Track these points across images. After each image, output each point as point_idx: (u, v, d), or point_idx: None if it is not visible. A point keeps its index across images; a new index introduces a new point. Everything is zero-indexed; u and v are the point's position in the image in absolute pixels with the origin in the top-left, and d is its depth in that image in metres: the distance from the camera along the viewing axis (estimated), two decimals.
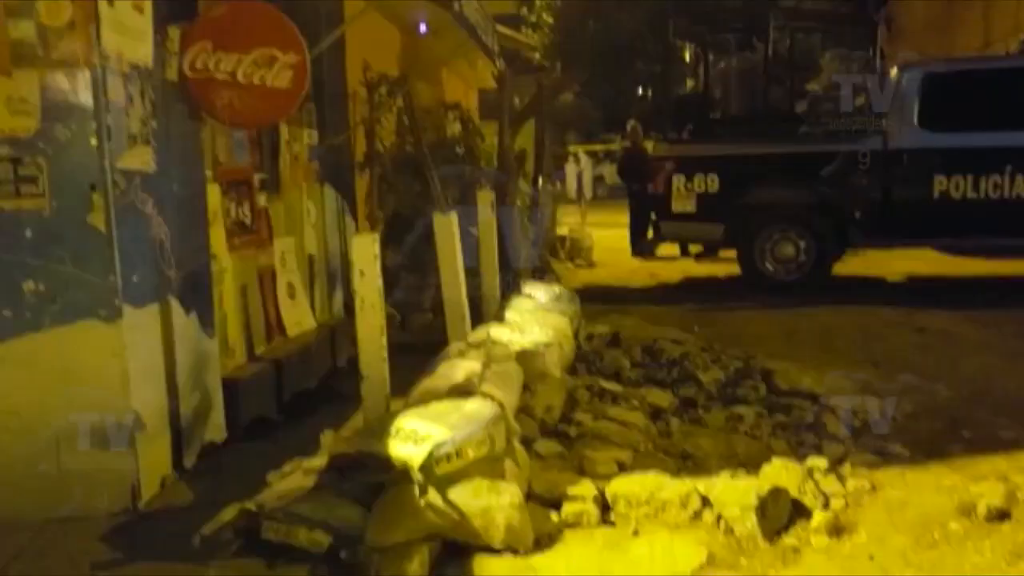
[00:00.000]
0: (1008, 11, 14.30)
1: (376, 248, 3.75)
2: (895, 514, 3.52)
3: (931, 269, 9.63)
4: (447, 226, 5.16)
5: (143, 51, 3.86)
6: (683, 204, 9.03)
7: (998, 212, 8.22)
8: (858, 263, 9.94)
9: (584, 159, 20.23)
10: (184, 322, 4.10)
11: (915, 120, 8.44)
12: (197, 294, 4.25)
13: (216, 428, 4.32)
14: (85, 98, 3.52)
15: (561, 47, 10.79)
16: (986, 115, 8.29)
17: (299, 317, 5.45)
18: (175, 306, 4.03)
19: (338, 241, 6.13)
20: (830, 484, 3.73)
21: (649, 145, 10.80)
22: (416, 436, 3.26)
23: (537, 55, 12.35)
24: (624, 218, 13.54)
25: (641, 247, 12.56)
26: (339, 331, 5.67)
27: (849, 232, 8.75)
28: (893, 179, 8.49)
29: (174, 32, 4.11)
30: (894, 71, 9.03)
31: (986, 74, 8.48)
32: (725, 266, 10.09)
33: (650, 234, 11.97)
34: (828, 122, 9.48)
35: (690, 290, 9.71)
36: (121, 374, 3.61)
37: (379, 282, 3.74)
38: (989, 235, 8.34)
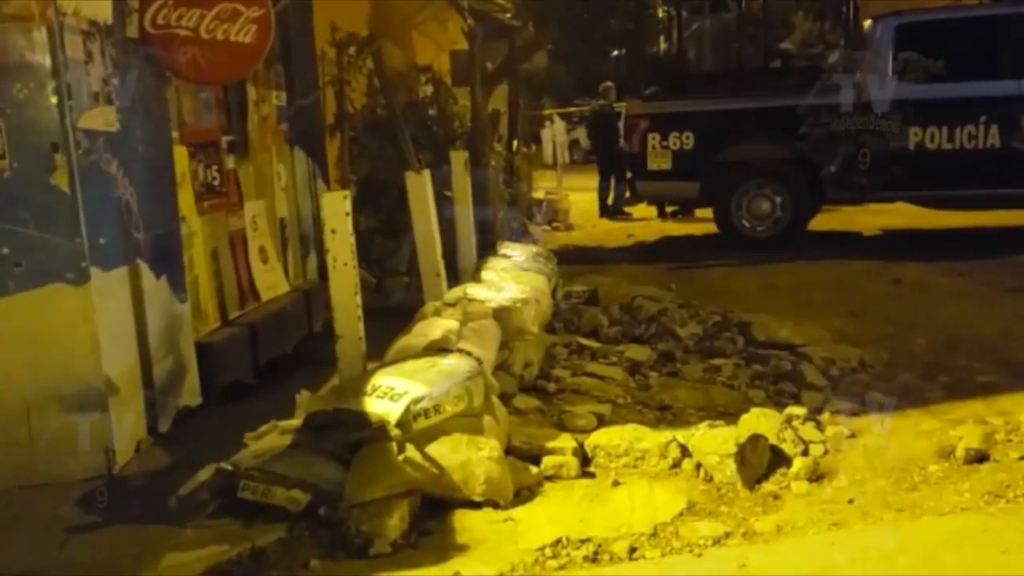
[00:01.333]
0: None
1: (347, 205, 3.71)
2: (874, 459, 3.55)
3: (906, 223, 9.67)
4: (420, 185, 5.12)
5: (101, 7, 3.76)
6: (658, 162, 8.99)
7: (973, 163, 8.24)
8: (834, 219, 9.98)
9: (559, 123, 20.07)
10: (154, 286, 4.03)
11: (889, 71, 8.43)
12: (167, 258, 4.18)
13: (191, 392, 4.27)
14: (42, 56, 3.42)
15: (533, 7, 10.65)
16: (960, 65, 8.28)
17: (272, 281, 5.38)
18: (144, 269, 3.96)
19: (310, 205, 6.04)
20: (809, 432, 3.77)
21: (624, 106, 10.73)
22: (393, 393, 3.24)
23: (508, 15, 12.19)
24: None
25: (608, 209, 12.55)
26: (314, 296, 5.62)
27: (824, 187, 8.75)
28: (867, 133, 8.48)
29: None
30: (867, 23, 9.00)
31: (960, 24, 8.46)
32: (702, 225, 10.10)
33: (627, 193, 12.00)
34: (802, 76, 9.49)
35: (667, 249, 9.71)
36: (91, 338, 3.55)
37: (351, 240, 3.70)
38: (965, 187, 8.37)
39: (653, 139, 8.98)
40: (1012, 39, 8.24)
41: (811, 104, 8.60)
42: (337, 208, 3.72)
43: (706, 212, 9.60)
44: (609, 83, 12.72)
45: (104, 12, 3.76)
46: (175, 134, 4.44)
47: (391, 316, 4.80)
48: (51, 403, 3.52)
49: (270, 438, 3.44)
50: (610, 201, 12.54)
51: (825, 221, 9.71)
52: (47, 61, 3.43)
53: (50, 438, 3.51)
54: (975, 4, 9.35)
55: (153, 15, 4.03)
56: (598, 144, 13.27)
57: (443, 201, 6.33)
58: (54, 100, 3.44)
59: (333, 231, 3.70)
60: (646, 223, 11.51)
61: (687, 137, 8.90)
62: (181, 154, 4.49)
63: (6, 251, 3.47)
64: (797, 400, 4.27)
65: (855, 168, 8.55)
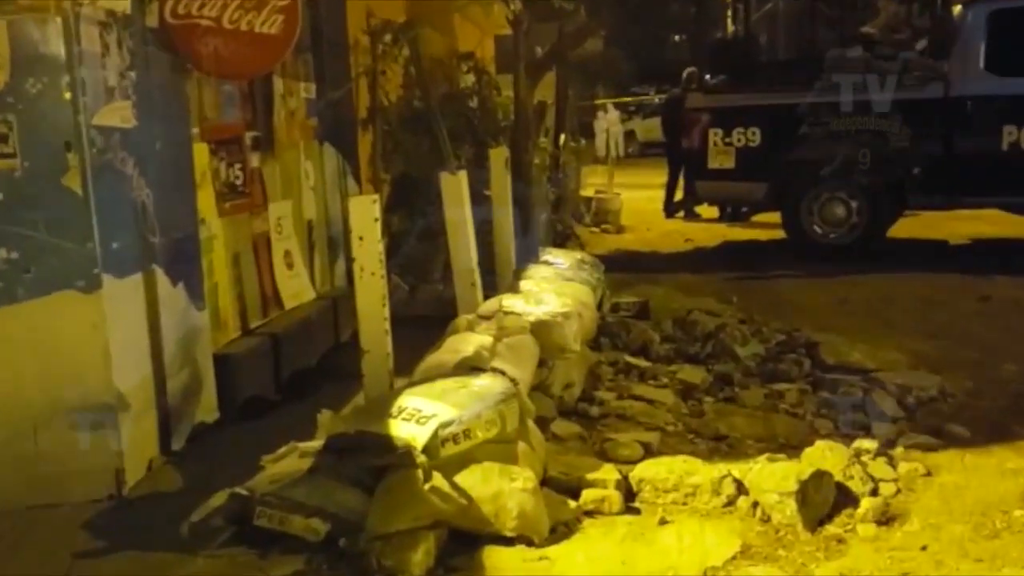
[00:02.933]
0: None
1: (376, 210, 3.74)
2: (952, 501, 3.51)
3: (998, 231, 9.52)
4: (455, 186, 5.14)
5: None
6: (720, 160, 8.97)
7: None
8: (917, 225, 9.84)
9: (614, 113, 20.00)
10: (170, 293, 4.12)
11: (981, 63, 8.29)
12: (184, 263, 4.27)
13: (207, 408, 4.35)
14: (57, 48, 3.51)
15: None
16: None
17: (297, 288, 5.46)
18: (160, 276, 4.04)
19: (339, 206, 6.12)
20: (880, 468, 3.74)
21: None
22: (420, 415, 3.27)
23: None
24: (656, 179, 13.48)
25: (674, 207, 12.54)
26: (341, 303, 5.68)
27: (906, 191, 8.64)
28: (956, 130, 8.36)
29: None
30: (958, 8, 8.87)
31: None
32: (768, 230, 10.02)
33: (678, 194, 11.97)
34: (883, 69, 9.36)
35: (728, 256, 9.68)
36: (102, 349, 3.63)
37: (380, 248, 3.73)
38: None
39: (715, 135, 8.97)
40: None
41: (892, 99, 8.50)
42: (365, 213, 3.75)
43: (773, 216, 9.55)
44: (693, 68, 12.63)
45: (123, 2, 3.85)
46: (195, 130, 4.53)
47: (424, 326, 4.82)
48: (59, 418, 3.61)
49: (289, 461, 3.48)
50: (677, 197, 12.53)
51: (906, 228, 9.60)
52: (62, 53, 3.51)
53: (58, 455, 3.60)
54: None
55: (174, 4, 4.11)
56: (670, 135, 13.20)
57: (484, 201, 6.38)
58: (68, 95, 3.52)
59: (361, 238, 3.73)
60: (706, 227, 11.47)
61: (753, 133, 8.88)
62: (202, 151, 4.58)
63: (15, 256, 3.57)
64: (868, 432, 4.24)
65: (940, 170, 8.44)
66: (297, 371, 5.11)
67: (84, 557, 3.24)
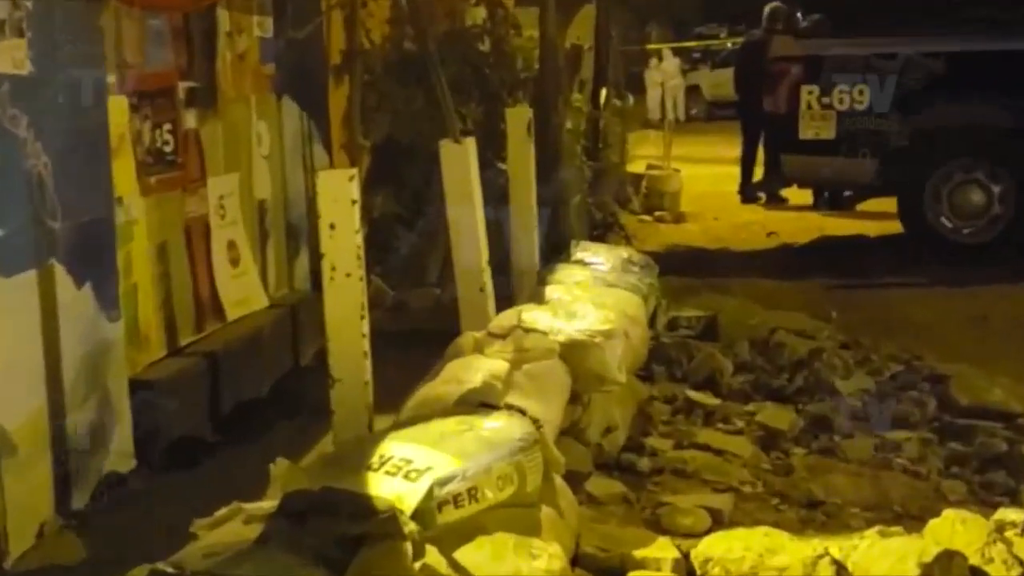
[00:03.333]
0: None
1: (354, 190, 3.75)
2: None
3: None
4: (460, 159, 5.15)
5: None
6: (816, 128, 8.97)
7: None
8: None
9: (672, 62, 19.96)
10: (74, 297, 4.11)
11: None
12: (94, 256, 4.26)
13: (121, 452, 4.34)
14: None
15: None
16: None
17: (244, 292, 5.47)
18: (61, 274, 4.04)
19: (302, 181, 6.13)
20: None
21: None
22: (409, 468, 3.25)
23: None
24: (728, 150, 13.47)
25: (752, 190, 12.51)
26: (303, 313, 5.68)
27: None
28: None
29: None
30: None
31: None
32: (879, 222, 9.97)
33: (758, 172, 11.93)
34: None
35: (826, 257, 9.69)
36: None
37: (358, 240, 3.74)
38: None
39: (810, 94, 9.02)
40: None
41: None
42: (339, 193, 3.76)
43: (886, 203, 9.51)
44: (777, 3, 12.57)
45: None
46: (111, 79, 4.52)
47: (413, 346, 4.86)
48: None
49: (230, 527, 3.46)
50: (757, 177, 12.52)
51: None
52: None
53: None
54: None
55: None
56: (747, 93, 13.14)
57: (497, 177, 6.37)
58: None
59: (332, 227, 3.75)
60: (796, 216, 11.45)
61: (861, 92, 8.88)
62: (119, 107, 4.59)
63: None
64: (1014, 499, 4.25)
65: None
66: (243, 403, 5.11)
67: None
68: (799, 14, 10.26)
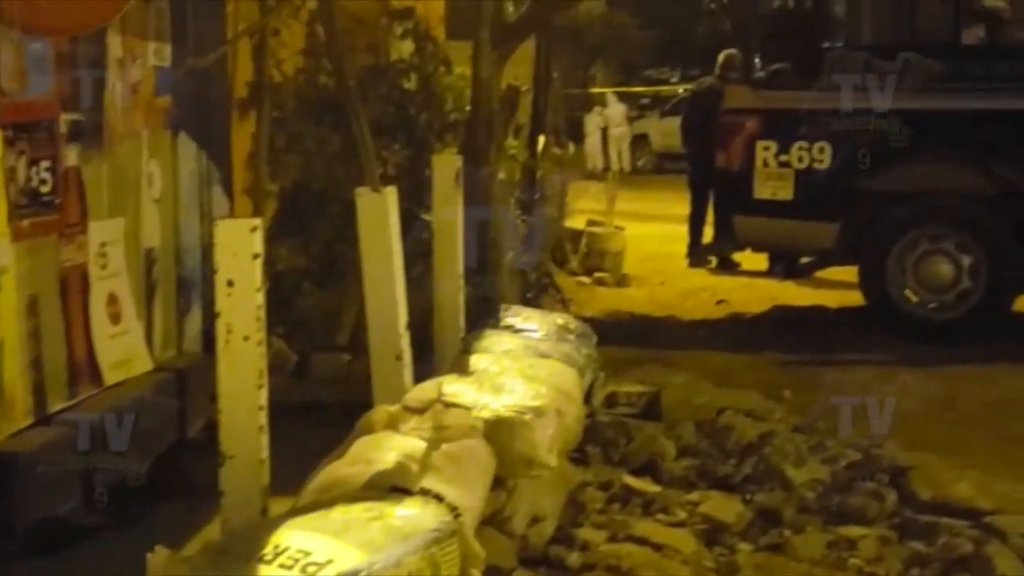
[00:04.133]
0: None
1: (257, 241, 3.72)
2: None
3: None
4: (379, 208, 5.13)
5: None
6: (772, 188, 9.06)
7: None
8: None
9: (616, 107, 20.16)
10: None
11: None
12: None
13: None
14: None
15: None
16: None
17: (126, 353, 5.38)
18: None
19: (198, 229, 6.07)
20: None
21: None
22: (307, 561, 3.19)
23: None
24: (678, 207, 13.58)
25: (702, 253, 12.61)
26: (192, 379, 5.60)
27: None
28: None
29: None
30: None
31: None
32: (839, 292, 10.08)
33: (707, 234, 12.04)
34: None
35: (781, 330, 9.75)
36: None
37: (260, 299, 3.70)
38: None
39: (766, 150, 9.08)
40: None
41: None
42: (240, 245, 3.73)
43: (846, 272, 9.64)
44: (732, 50, 12.74)
45: None
46: None
47: (319, 419, 4.90)
48: None
49: None
50: (708, 238, 12.63)
51: None
52: None
53: None
54: None
55: None
56: (697, 146, 13.27)
57: (418, 230, 6.34)
58: None
59: (230, 283, 3.70)
60: (749, 282, 11.54)
61: (822, 150, 8.97)
62: None
63: None
64: None
65: None
66: (120, 481, 4.99)
67: None
68: (757, 62, 10.37)
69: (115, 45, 5.34)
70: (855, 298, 9.52)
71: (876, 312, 9.17)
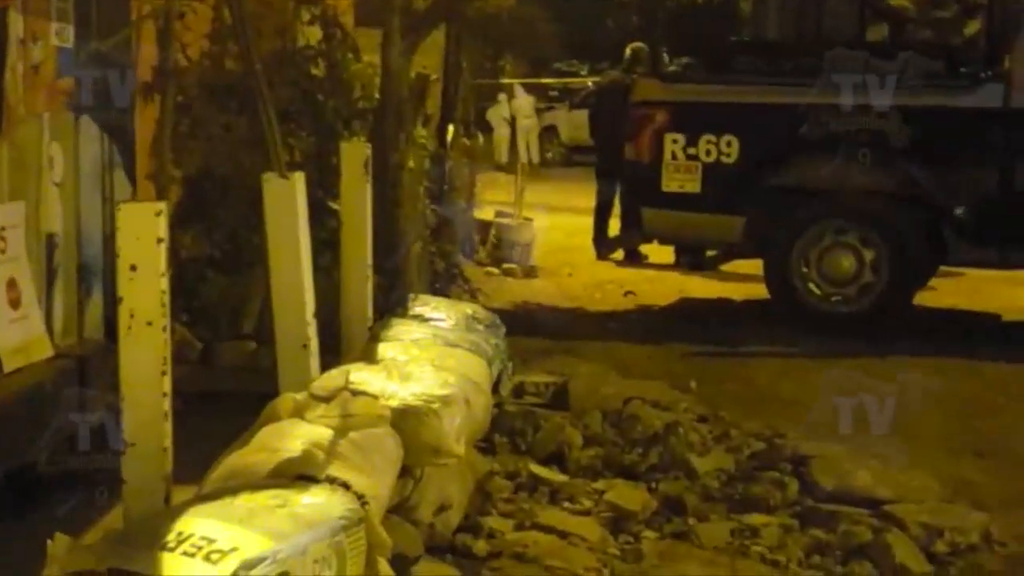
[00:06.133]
0: None
1: (161, 226, 3.67)
2: None
3: None
4: (286, 195, 5.10)
5: None
6: (680, 181, 9.13)
7: None
8: (958, 289, 10.13)
9: (523, 98, 20.15)
10: None
11: None
12: None
13: None
14: None
15: None
16: None
17: (25, 339, 5.31)
18: None
19: (100, 214, 6.01)
20: None
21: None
22: (211, 548, 3.18)
23: None
24: (587, 199, 13.64)
25: (609, 245, 12.68)
26: (93, 365, 5.53)
27: (946, 238, 8.93)
28: (1019, 155, 8.67)
29: None
30: None
31: None
32: (744, 285, 10.19)
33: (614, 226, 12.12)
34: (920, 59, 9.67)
35: (687, 321, 9.84)
36: None
37: (164, 284, 3.67)
38: None
39: (674, 143, 9.15)
40: None
41: (930, 106, 8.79)
42: (143, 230, 3.69)
43: (752, 265, 9.78)
44: (640, 44, 12.81)
45: None
46: None
47: (222, 407, 4.90)
48: None
49: None
50: (615, 230, 12.69)
51: (945, 293, 9.86)
52: None
53: None
54: None
55: None
56: (604, 138, 13.35)
57: (326, 218, 6.32)
58: None
59: (134, 268, 3.67)
60: (656, 275, 11.62)
61: (729, 144, 9.07)
62: None
63: None
64: None
65: (994, 212, 8.73)
66: (17, 470, 4.93)
67: None
68: (665, 56, 10.44)
69: (16, 24, 5.28)
70: (760, 291, 9.61)
71: (780, 305, 9.27)
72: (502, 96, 20.26)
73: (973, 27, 9.72)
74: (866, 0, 12.29)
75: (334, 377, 4.77)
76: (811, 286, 9.11)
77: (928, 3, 14.27)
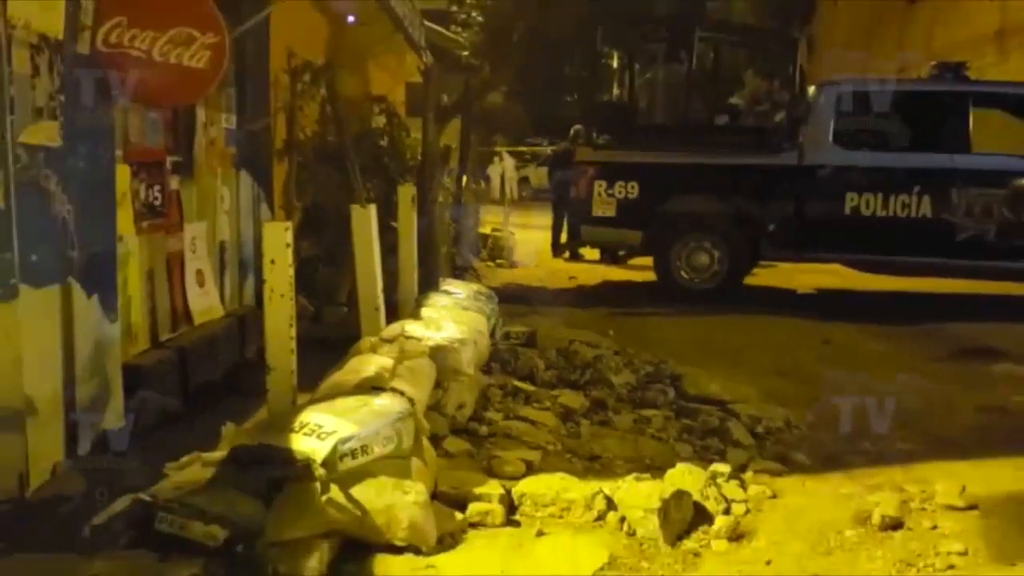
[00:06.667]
0: (920, 40, 14.87)
1: (288, 236, 3.69)
2: (793, 521, 3.61)
3: (839, 283, 9.89)
4: (365, 219, 5.11)
5: (53, 21, 3.69)
6: (603, 209, 9.12)
7: (905, 231, 8.49)
8: (771, 275, 10.17)
9: (508, 160, 20.16)
10: (85, 305, 3.93)
11: (830, 137, 8.68)
12: (100, 277, 4.09)
13: (114, 416, 4.15)
14: None
15: (490, 47, 10.77)
16: (897, 136, 8.58)
17: (207, 305, 5.31)
18: (76, 289, 3.86)
19: (252, 229, 6.00)
20: (732, 490, 3.81)
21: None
22: (321, 431, 3.21)
23: (466, 54, 12.26)
24: (547, 221, 13.62)
25: (560, 248, 12.70)
26: (248, 321, 5.54)
27: (762, 244, 8.93)
28: (806, 194, 8.70)
29: (88, 3, 3.94)
30: (812, 89, 9.27)
31: (899, 96, 8.76)
32: (642, 272, 10.21)
33: (563, 238, 12.13)
34: (747, 135, 9.71)
35: (607, 294, 9.80)
36: (14, 357, 3.43)
37: (290, 271, 3.68)
38: (896, 253, 8.62)
39: (600, 186, 9.10)
40: (947, 114, 8.56)
41: (753, 164, 8.83)
42: (278, 239, 3.70)
43: (647, 261, 9.72)
44: (579, 126, 12.82)
45: (56, 26, 3.70)
46: (119, 152, 4.36)
47: (326, 347, 4.76)
48: None
49: (192, 470, 3.36)
50: (563, 240, 12.68)
51: (761, 276, 9.91)
52: None
53: None
54: (915, 79, 9.68)
55: (106, 33, 3.98)
56: (558, 184, 13.36)
57: (389, 233, 6.33)
58: None
59: (273, 262, 3.68)
60: (589, 267, 11.62)
61: (632, 187, 9.04)
62: (124, 173, 4.42)
63: None
64: (723, 457, 4.30)
65: (792, 228, 8.76)
66: (203, 384, 4.94)
67: None
68: (594, 133, 10.45)
69: (201, 114, 5.28)
70: (651, 276, 9.57)
71: (663, 284, 9.21)
72: (496, 158, 20.27)
73: (780, 117, 9.68)
74: (715, 99, 12.30)
75: (394, 328, 4.80)
76: (683, 273, 9.08)
77: (753, 102, 14.25)
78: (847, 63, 12.66)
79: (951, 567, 3.21)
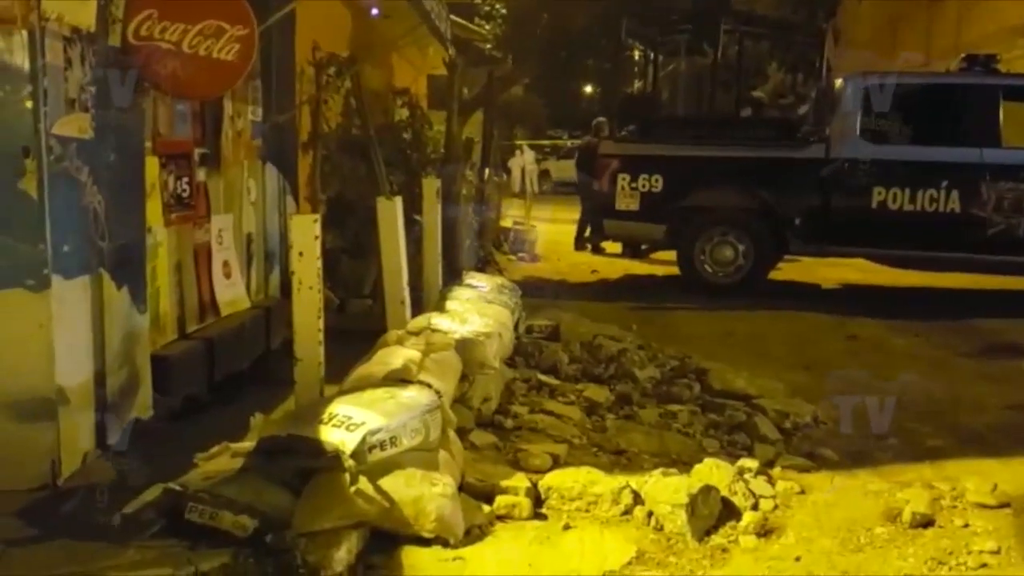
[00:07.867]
0: (948, 34, 14.71)
1: (316, 229, 3.70)
2: (822, 517, 3.57)
3: (864, 278, 9.81)
4: (390, 211, 5.11)
5: (86, 14, 3.72)
6: (627, 203, 9.08)
7: (934, 226, 8.40)
8: (795, 269, 10.11)
9: (528, 153, 20.19)
10: (115, 295, 3.96)
11: (857, 131, 8.60)
12: (130, 268, 4.12)
13: (143, 406, 4.19)
14: (21, 59, 3.37)
15: (513, 40, 10.74)
16: (925, 129, 8.49)
17: (233, 296, 5.32)
18: (106, 279, 3.89)
19: (278, 221, 6.01)
20: (760, 486, 3.77)
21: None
22: (349, 423, 3.21)
23: (489, 46, 12.26)
24: (568, 214, 13.60)
25: (583, 242, 12.68)
26: (274, 312, 5.56)
27: (788, 238, 8.87)
28: (833, 188, 8.63)
29: None
30: (838, 82, 9.18)
31: (928, 89, 8.66)
32: (665, 266, 10.17)
33: (587, 232, 12.11)
34: (772, 128, 9.64)
35: (630, 288, 9.76)
36: (46, 346, 3.47)
37: (318, 264, 3.70)
38: (924, 248, 8.53)
39: (623, 180, 9.06)
40: (976, 107, 8.46)
41: (778, 157, 8.76)
42: (306, 231, 3.72)
43: (670, 254, 9.68)
44: (602, 119, 12.78)
45: (88, 20, 3.72)
46: (148, 144, 4.39)
47: (353, 338, 4.77)
48: None
49: (221, 460, 3.39)
50: (587, 234, 12.66)
51: (786, 270, 9.85)
52: (26, 65, 3.37)
53: None
54: (943, 72, 9.57)
55: (137, 26, 4.00)
56: (584, 178, 13.33)
57: (414, 226, 6.34)
58: (29, 104, 3.38)
59: (301, 253, 3.69)
60: (610, 260, 11.58)
61: (656, 180, 8.99)
62: (153, 164, 4.44)
63: None
64: (750, 452, 4.27)
65: (818, 222, 8.69)
66: (230, 374, 4.96)
67: (15, 544, 3.07)
68: (617, 126, 10.41)
69: (228, 106, 5.27)
70: (675, 270, 9.53)
71: (687, 278, 9.17)
72: (517, 151, 20.26)
73: (805, 109, 9.62)
74: (739, 92, 12.23)
75: (420, 321, 4.79)
76: (706, 267, 9.03)
77: (775, 94, 14.16)
78: (872, 57, 12.54)
79: (984, 566, 3.17)
